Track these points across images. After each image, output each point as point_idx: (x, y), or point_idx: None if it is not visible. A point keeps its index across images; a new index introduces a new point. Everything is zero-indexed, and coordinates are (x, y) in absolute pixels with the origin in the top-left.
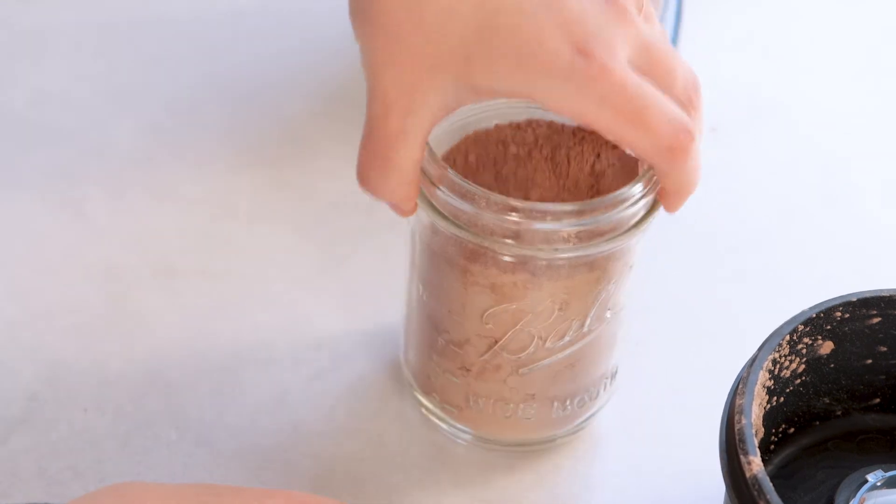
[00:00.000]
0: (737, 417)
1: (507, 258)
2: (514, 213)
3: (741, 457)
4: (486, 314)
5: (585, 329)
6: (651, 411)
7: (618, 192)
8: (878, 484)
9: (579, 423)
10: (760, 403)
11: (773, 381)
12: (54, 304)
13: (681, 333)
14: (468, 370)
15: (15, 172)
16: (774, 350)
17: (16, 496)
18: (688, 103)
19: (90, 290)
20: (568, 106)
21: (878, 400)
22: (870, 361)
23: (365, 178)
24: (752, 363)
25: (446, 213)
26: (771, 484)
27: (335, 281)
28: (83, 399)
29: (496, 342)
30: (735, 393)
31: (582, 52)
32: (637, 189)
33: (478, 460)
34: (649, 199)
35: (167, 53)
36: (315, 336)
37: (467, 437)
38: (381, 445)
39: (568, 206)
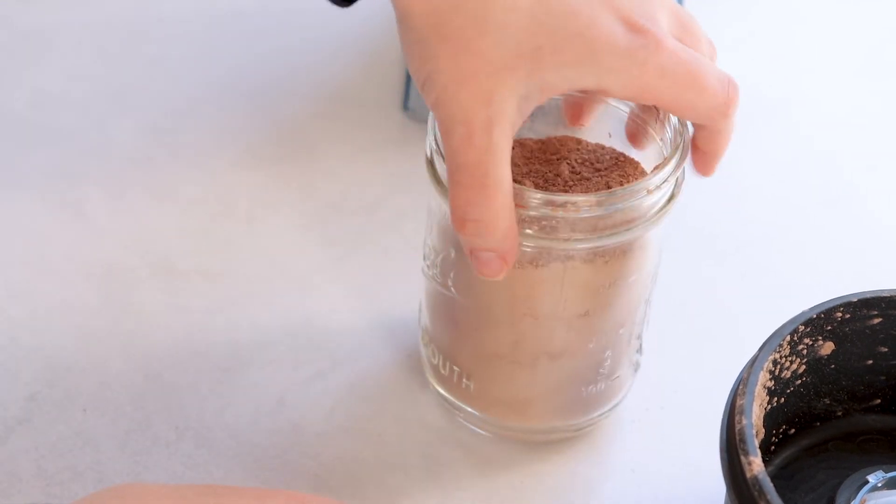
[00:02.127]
0: (737, 418)
1: (529, 249)
2: (539, 201)
3: (742, 457)
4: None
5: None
6: (651, 411)
7: (642, 181)
8: (879, 485)
9: (602, 412)
10: (761, 404)
11: (773, 382)
12: (54, 304)
13: (681, 334)
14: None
15: (15, 172)
16: (775, 350)
17: (15, 496)
18: (713, 60)
19: (90, 290)
20: (633, 83)
21: (878, 401)
22: (870, 362)
23: (463, 217)
24: (753, 364)
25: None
26: (771, 484)
27: (335, 281)
28: (83, 399)
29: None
30: (735, 393)
31: (634, 28)
32: (660, 177)
33: (478, 461)
34: (669, 188)
35: (167, 53)
36: (315, 336)
37: (486, 425)
38: (381, 445)
39: (593, 196)
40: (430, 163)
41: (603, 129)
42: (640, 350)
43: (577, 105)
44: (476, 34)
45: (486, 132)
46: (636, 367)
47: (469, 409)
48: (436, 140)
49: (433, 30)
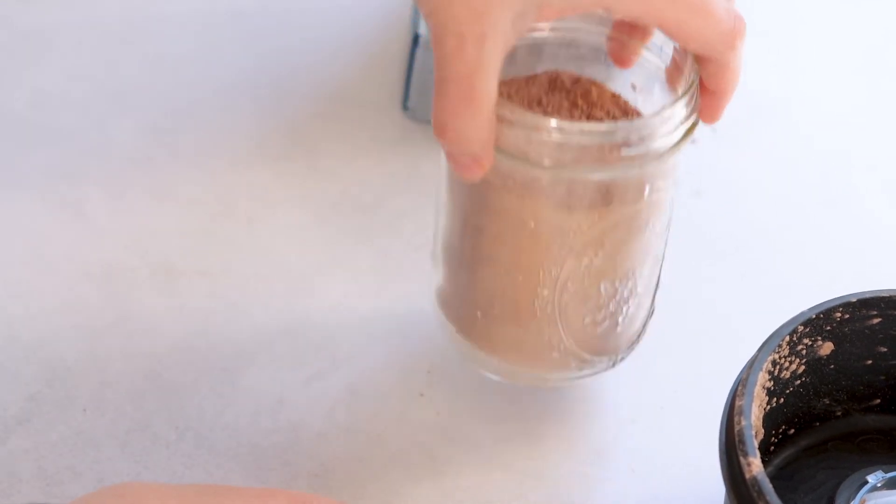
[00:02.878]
0: (736, 419)
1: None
2: (557, 131)
3: (741, 458)
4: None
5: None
6: (651, 411)
7: (661, 109)
8: (879, 485)
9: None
10: (760, 404)
11: (772, 382)
12: (54, 304)
13: (681, 334)
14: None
15: (15, 172)
16: (774, 351)
17: (15, 496)
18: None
19: (90, 290)
20: (637, 3)
21: (878, 401)
22: (870, 362)
23: (444, 125)
24: (752, 364)
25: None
26: (771, 485)
27: (334, 281)
28: (83, 399)
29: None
30: (735, 394)
31: None
32: (680, 105)
33: (478, 461)
34: (687, 121)
35: (167, 53)
36: (315, 336)
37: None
38: (381, 445)
39: (610, 124)
40: None
41: (626, 80)
42: (651, 308)
43: (621, 45)
44: None
45: (478, 46)
46: (648, 317)
47: (485, 355)
48: None
49: None
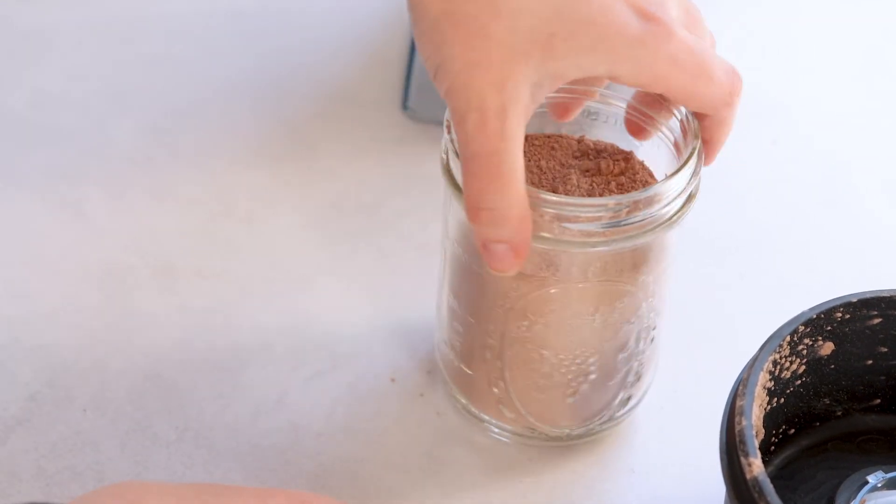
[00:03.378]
0: (737, 419)
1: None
2: (551, 207)
3: (741, 458)
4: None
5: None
6: (651, 412)
7: (658, 185)
8: (879, 485)
9: (623, 413)
10: (761, 404)
11: (773, 382)
12: (54, 304)
13: (681, 334)
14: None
15: (15, 172)
16: (775, 351)
17: (15, 496)
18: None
19: (90, 290)
20: (644, 71)
21: (878, 401)
22: (870, 362)
23: (478, 205)
24: (753, 364)
25: None
26: (771, 485)
27: (335, 281)
28: (83, 399)
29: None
30: (735, 394)
31: (646, 17)
32: (678, 181)
33: (478, 461)
34: (687, 191)
35: (167, 53)
36: (314, 336)
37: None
38: (381, 445)
39: (610, 199)
40: (447, 168)
41: (576, 127)
42: (623, 395)
43: (564, 102)
44: (490, 19)
45: (500, 118)
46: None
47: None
48: (452, 140)
49: (446, 16)
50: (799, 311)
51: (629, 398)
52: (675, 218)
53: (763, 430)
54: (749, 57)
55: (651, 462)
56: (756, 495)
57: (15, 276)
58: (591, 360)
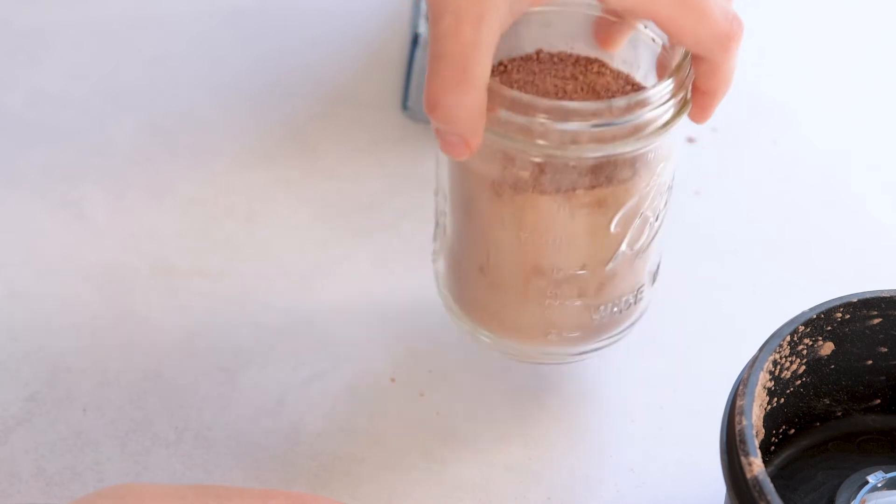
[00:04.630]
0: (737, 418)
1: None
2: (543, 116)
3: (742, 458)
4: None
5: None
6: (651, 412)
7: (651, 89)
8: (879, 485)
9: (625, 327)
10: (761, 404)
11: (773, 382)
12: (54, 304)
13: (681, 334)
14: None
15: (15, 172)
16: (775, 351)
17: (15, 496)
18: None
19: (90, 290)
20: None
21: (878, 401)
22: (870, 362)
23: (436, 102)
24: (753, 364)
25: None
26: (771, 485)
27: (334, 281)
28: (82, 399)
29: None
30: (735, 394)
31: None
32: (667, 86)
33: (477, 461)
34: (678, 99)
35: (167, 53)
36: (314, 336)
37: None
38: (380, 445)
39: (605, 102)
40: None
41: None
42: (654, 277)
43: (608, 29)
44: None
45: (475, 26)
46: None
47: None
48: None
49: None
50: (799, 311)
51: (621, 314)
52: (668, 126)
53: (763, 430)
54: (749, 57)
55: (651, 462)
56: (756, 495)
57: (15, 276)
58: (585, 270)
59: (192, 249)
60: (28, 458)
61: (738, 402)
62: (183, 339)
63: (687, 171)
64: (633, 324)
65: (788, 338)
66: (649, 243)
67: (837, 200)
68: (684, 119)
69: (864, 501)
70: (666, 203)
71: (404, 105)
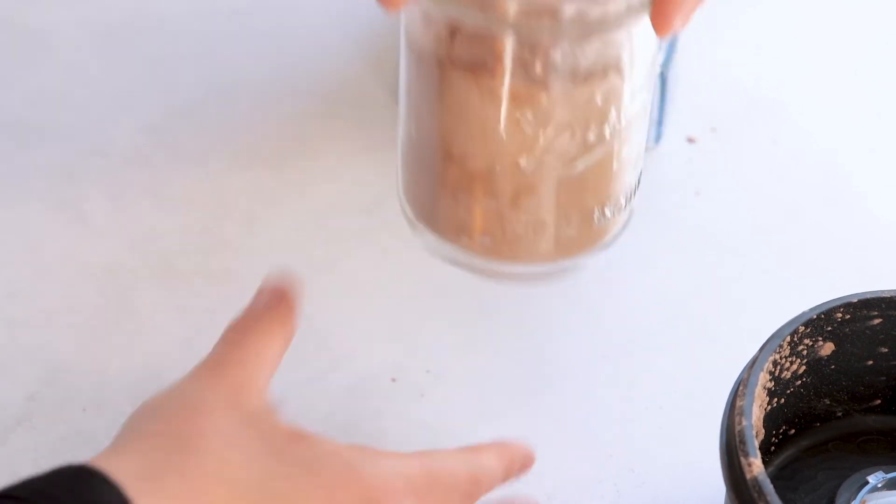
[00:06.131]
0: (737, 419)
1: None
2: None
3: (742, 458)
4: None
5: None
6: (651, 411)
7: None
8: (879, 485)
9: (611, 236)
10: (761, 405)
11: (773, 383)
12: (54, 304)
13: (681, 334)
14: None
15: (14, 172)
16: (775, 351)
17: None
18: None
19: (90, 290)
20: None
21: (878, 401)
22: (870, 362)
23: None
24: (753, 364)
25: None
26: (771, 485)
27: (334, 281)
28: (82, 399)
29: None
30: (735, 394)
31: None
32: None
33: None
34: None
35: (167, 53)
36: (314, 336)
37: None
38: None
39: None
40: None
41: None
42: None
43: None
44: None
45: None
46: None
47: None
48: None
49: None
50: (799, 311)
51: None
52: (616, 21)
53: (763, 431)
54: (748, 56)
55: (651, 462)
56: (756, 495)
57: (15, 276)
58: (498, 166)
59: (192, 249)
60: (28, 458)
61: (738, 403)
62: (183, 339)
63: (687, 172)
64: (558, 262)
65: (788, 338)
66: (585, 169)
67: (837, 200)
68: (642, 28)
69: (865, 502)
70: (623, 139)
71: None
